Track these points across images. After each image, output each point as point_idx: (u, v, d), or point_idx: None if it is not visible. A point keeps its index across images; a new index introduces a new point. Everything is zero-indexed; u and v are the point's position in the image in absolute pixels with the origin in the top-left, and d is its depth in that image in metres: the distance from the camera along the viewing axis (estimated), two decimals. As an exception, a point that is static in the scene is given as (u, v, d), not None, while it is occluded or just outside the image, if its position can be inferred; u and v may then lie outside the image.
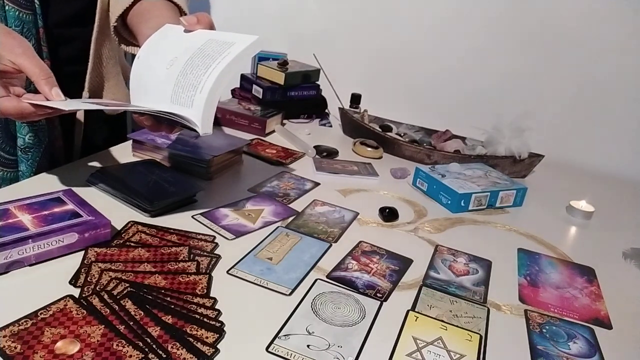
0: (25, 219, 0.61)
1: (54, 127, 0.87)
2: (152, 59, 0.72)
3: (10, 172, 0.83)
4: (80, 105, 0.64)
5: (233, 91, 1.39)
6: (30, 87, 0.66)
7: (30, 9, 0.77)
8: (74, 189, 0.70)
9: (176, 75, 0.67)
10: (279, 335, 0.54)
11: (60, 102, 0.63)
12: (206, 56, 0.67)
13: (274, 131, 1.20)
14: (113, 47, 0.91)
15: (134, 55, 0.77)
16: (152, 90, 0.70)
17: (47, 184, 0.78)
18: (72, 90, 0.84)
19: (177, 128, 0.69)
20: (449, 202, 0.92)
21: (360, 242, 0.76)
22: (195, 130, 0.65)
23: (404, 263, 0.72)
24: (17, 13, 0.76)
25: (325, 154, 1.10)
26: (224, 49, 0.66)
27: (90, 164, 0.86)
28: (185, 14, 0.83)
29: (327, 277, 0.66)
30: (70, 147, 0.92)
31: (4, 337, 0.47)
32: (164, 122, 0.68)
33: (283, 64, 1.33)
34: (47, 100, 0.64)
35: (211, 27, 0.74)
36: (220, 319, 0.54)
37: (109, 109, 0.64)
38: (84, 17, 0.85)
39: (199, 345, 0.50)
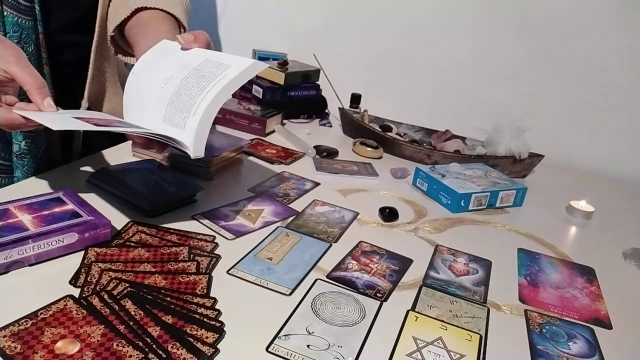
0: (25, 219, 0.61)
1: (52, 133, 0.86)
2: (147, 76, 0.71)
3: (5, 177, 0.82)
4: (69, 124, 0.63)
5: (233, 91, 1.39)
6: (24, 95, 0.66)
7: (29, 14, 0.77)
8: (74, 189, 0.70)
9: (170, 95, 0.66)
10: (279, 335, 0.54)
11: (50, 116, 0.62)
12: (201, 77, 0.65)
13: (274, 131, 1.20)
14: (111, 56, 0.91)
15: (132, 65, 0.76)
16: (146, 108, 0.69)
17: (46, 184, 0.77)
18: (70, 97, 0.84)
19: (168, 148, 0.69)
20: (449, 202, 0.92)
21: (360, 242, 0.76)
22: (186, 153, 0.64)
23: (404, 263, 0.72)
24: (15, 19, 0.75)
25: (325, 154, 1.10)
26: (219, 71, 0.65)
27: (90, 164, 0.86)
28: (185, 28, 0.82)
29: (327, 277, 0.66)
30: (68, 153, 0.92)
31: (4, 337, 0.47)
32: (156, 141, 0.67)
33: (283, 64, 1.33)
34: (40, 110, 0.63)
35: (208, 45, 0.72)
36: (220, 319, 0.54)
37: (98, 129, 0.63)
38: (84, 24, 0.85)
39: (199, 345, 0.50)
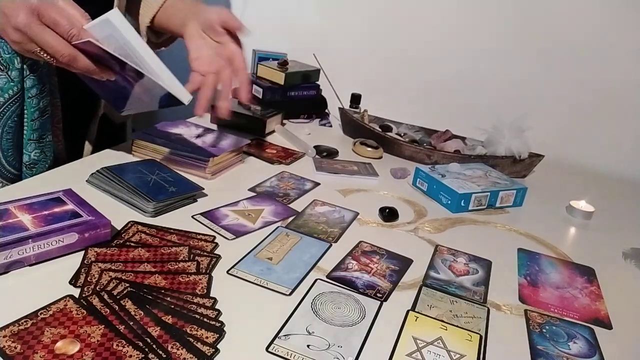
0: (25, 219, 0.61)
1: (59, 141, 0.87)
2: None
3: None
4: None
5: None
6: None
7: None
8: (74, 189, 0.70)
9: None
10: (279, 335, 0.54)
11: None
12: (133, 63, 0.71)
13: (274, 131, 1.20)
14: None
15: None
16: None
17: (47, 184, 0.77)
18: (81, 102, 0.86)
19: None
20: (449, 202, 0.92)
21: (360, 242, 0.76)
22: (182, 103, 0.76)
23: (404, 263, 0.72)
24: None
25: (325, 154, 1.10)
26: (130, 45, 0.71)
27: (90, 164, 0.86)
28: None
29: (327, 277, 0.66)
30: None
31: (4, 337, 0.47)
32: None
33: (283, 64, 1.33)
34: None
35: None
36: (220, 319, 0.54)
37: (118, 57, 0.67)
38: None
39: (199, 345, 0.50)
